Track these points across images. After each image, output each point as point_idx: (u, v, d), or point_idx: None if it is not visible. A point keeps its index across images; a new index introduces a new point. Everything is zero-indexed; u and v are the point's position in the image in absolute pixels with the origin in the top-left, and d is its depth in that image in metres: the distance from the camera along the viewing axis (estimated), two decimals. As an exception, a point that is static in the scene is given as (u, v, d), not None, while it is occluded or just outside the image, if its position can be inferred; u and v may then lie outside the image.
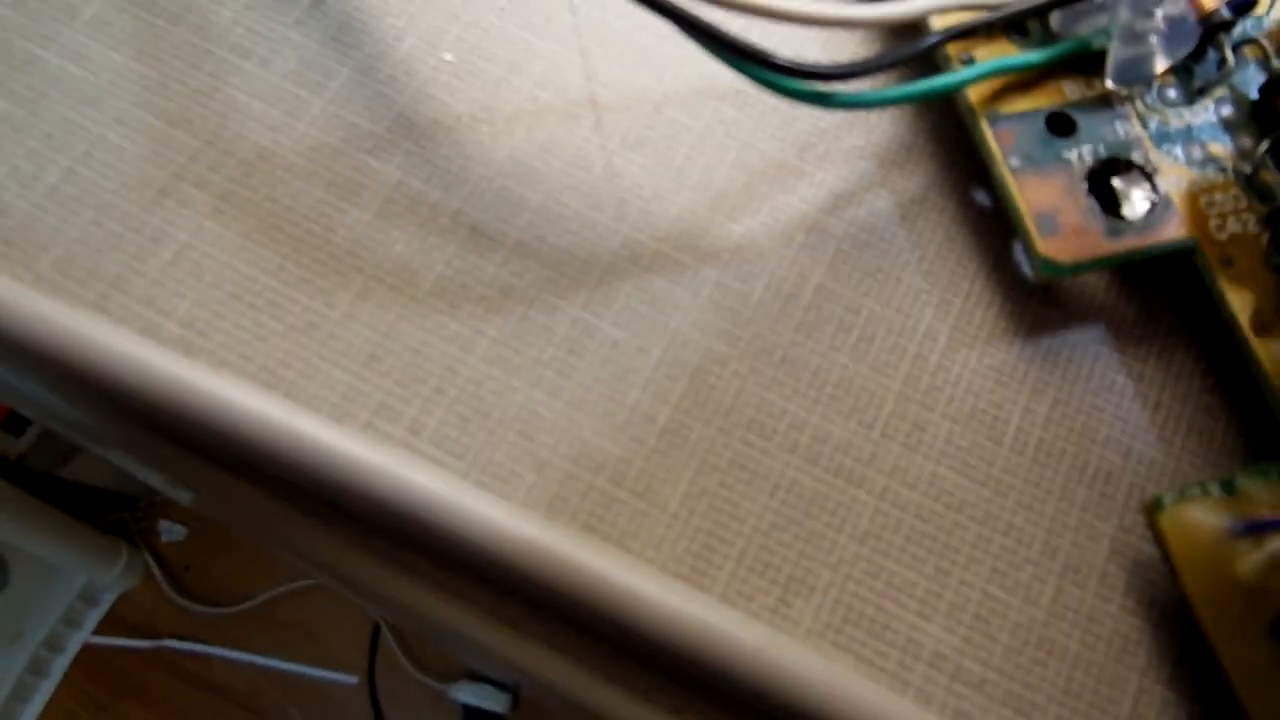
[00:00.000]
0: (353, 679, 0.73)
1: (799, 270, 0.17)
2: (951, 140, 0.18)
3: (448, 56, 0.18)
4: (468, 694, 0.68)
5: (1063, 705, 0.14)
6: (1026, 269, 0.17)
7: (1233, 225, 0.16)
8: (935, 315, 0.16)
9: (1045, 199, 0.16)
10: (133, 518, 0.78)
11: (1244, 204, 0.17)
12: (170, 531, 0.78)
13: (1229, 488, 0.14)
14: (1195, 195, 0.17)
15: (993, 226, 0.17)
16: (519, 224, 0.17)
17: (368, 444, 0.14)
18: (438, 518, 0.13)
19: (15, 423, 0.68)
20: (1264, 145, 0.17)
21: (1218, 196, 0.17)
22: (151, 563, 0.77)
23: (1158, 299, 0.17)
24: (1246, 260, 0.16)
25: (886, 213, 0.17)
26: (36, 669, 0.74)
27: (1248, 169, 0.17)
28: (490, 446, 0.15)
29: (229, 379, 0.14)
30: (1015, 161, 0.16)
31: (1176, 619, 0.15)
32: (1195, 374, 0.16)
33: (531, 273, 0.16)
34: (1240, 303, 0.16)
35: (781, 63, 0.15)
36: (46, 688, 0.75)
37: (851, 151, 0.18)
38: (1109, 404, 0.16)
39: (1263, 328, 0.16)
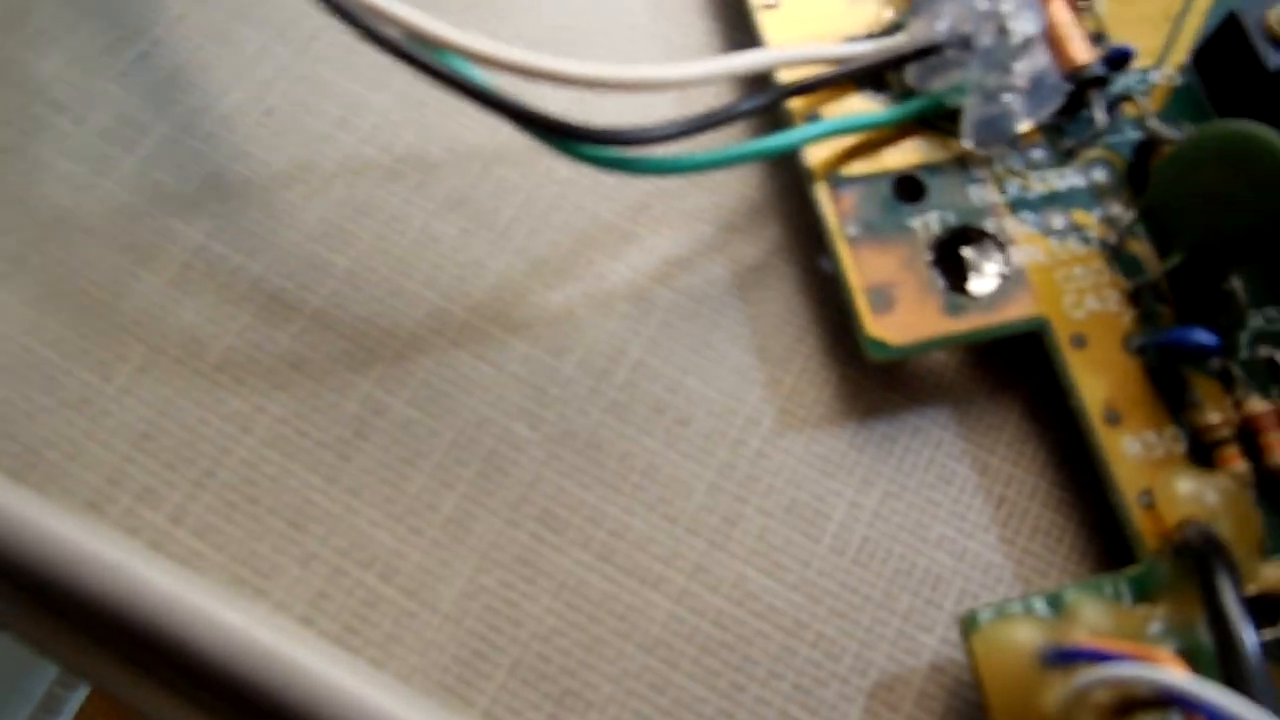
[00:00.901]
0: None
1: (617, 344, 0.15)
2: (799, 204, 0.16)
3: (269, 111, 0.17)
4: None
5: (859, 845, 0.12)
6: (861, 347, 0.15)
7: (1091, 303, 0.15)
8: (762, 395, 0.15)
9: (883, 272, 0.15)
10: None
11: (1106, 279, 0.15)
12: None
13: (1056, 604, 0.13)
14: (1052, 268, 0.15)
15: (836, 297, 0.16)
16: (322, 292, 0.16)
17: (105, 538, 0.13)
18: (166, 621, 0.12)
19: None
20: (1132, 212, 0.15)
21: (1077, 270, 0.15)
22: None
23: (1011, 381, 0.15)
24: (1103, 342, 0.15)
25: (722, 281, 0.16)
26: None
27: (1114, 239, 0.15)
28: (256, 537, 0.14)
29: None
30: (853, 230, 0.15)
31: (996, 750, 0.13)
32: (1048, 467, 0.15)
33: (328, 345, 0.15)
34: (1091, 389, 0.14)
35: (575, 128, 0.14)
36: None
37: (691, 214, 0.16)
38: (946, 498, 0.14)
39: (1113, 419, 0.14)
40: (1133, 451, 0.14)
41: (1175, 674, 0.11)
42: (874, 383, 0.15)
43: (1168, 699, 0.11)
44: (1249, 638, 0.11)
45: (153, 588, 0.13)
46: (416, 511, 0.14)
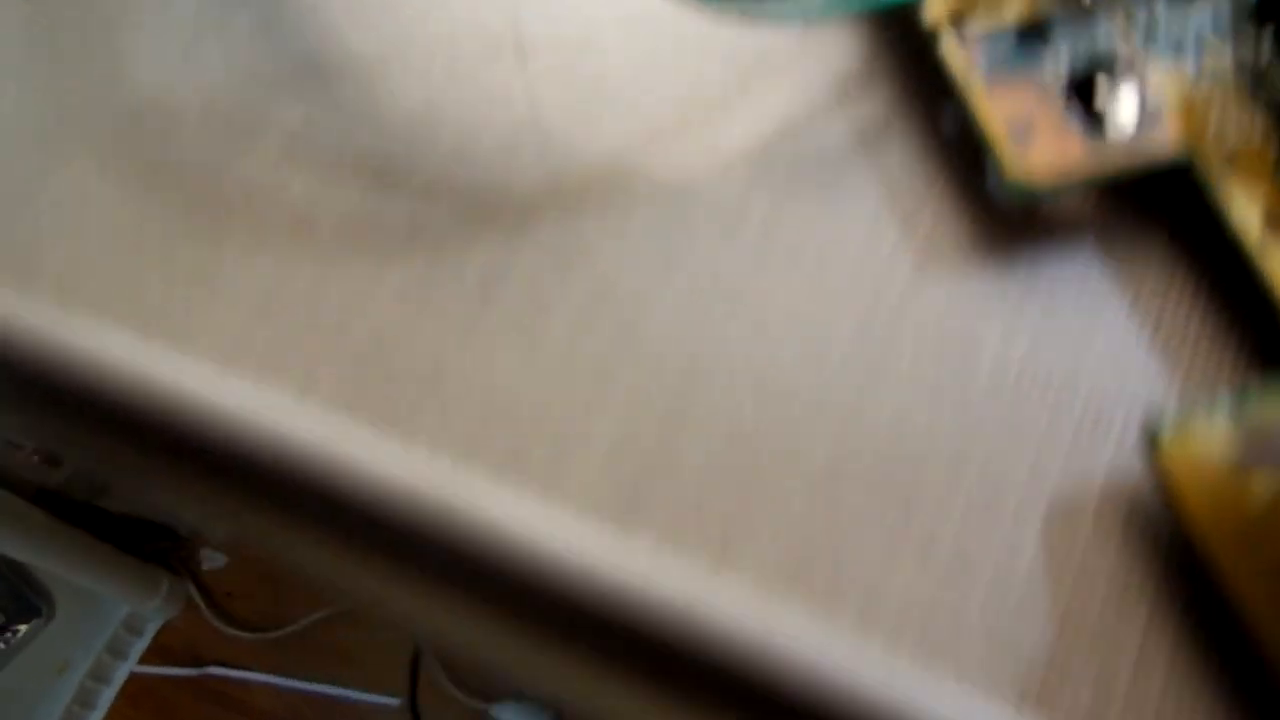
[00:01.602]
0: (394, 701, 0.72)
1: (741, 204, 0.15)
2: (916, 57, 0.16)
3: (359, -7, 0.16)
4: (511, 713, 0.67)
5: (1049, 667, 0.12)
6: (1000, 193, 0.15)
7: (1233, 133, 0.14)
8: (897, 244, 0.15)
9: (1018, 114, 0.14)
10: (174, 547, 0.78)
11: (1246, 108, 0.14)
12: (212, 559, 0.78)
13: (1238, 411, 0.12)
14: (1191, 103, 0.15)
15: (963, 150, 0.15)
16: (429, 167, 0.15)
17: (252, 396, 0.12)
18: (324, 473, 0.12)
19: (55, 454, 0.68)
20: (1267, 35, 0.15)
21: (1216, 102, 0.14)
22: (193, 591, 0.77)
23: (1154, 213, 0.15)
24: (1250, 168, 0.14)
25: (842, 139, 0.15)
26: (84, 700, 0.74)
27: (1250, 66, 0.15)
28: (392, 399, 0.13)
29: (105, 328, 0.12)
30: (983, 72, 0.15)
31: (1184, 565, 0.12)
32: (1200, 291, 0.14)
33: (440, 216, 0.15)
34: (1246, 214, 0.14)
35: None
36: (94, 719, 0.75)
37: (801, 75, 0.16)
38: (1099, 329, 0.14)
39: (1272, 238, 0.14)
40: (1289, 264, 0.13)
41: None
42: (1009, 227, 0.15)
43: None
44: None
45: (300, 435, 0.12)
46: (557, 363, 0.14)
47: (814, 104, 0.16)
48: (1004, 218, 0.15)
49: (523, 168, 0.15)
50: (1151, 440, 0.12)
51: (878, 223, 0.15)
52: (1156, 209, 0.15)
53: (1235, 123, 0.14)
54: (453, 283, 0.14)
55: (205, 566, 0.79)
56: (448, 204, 0.15)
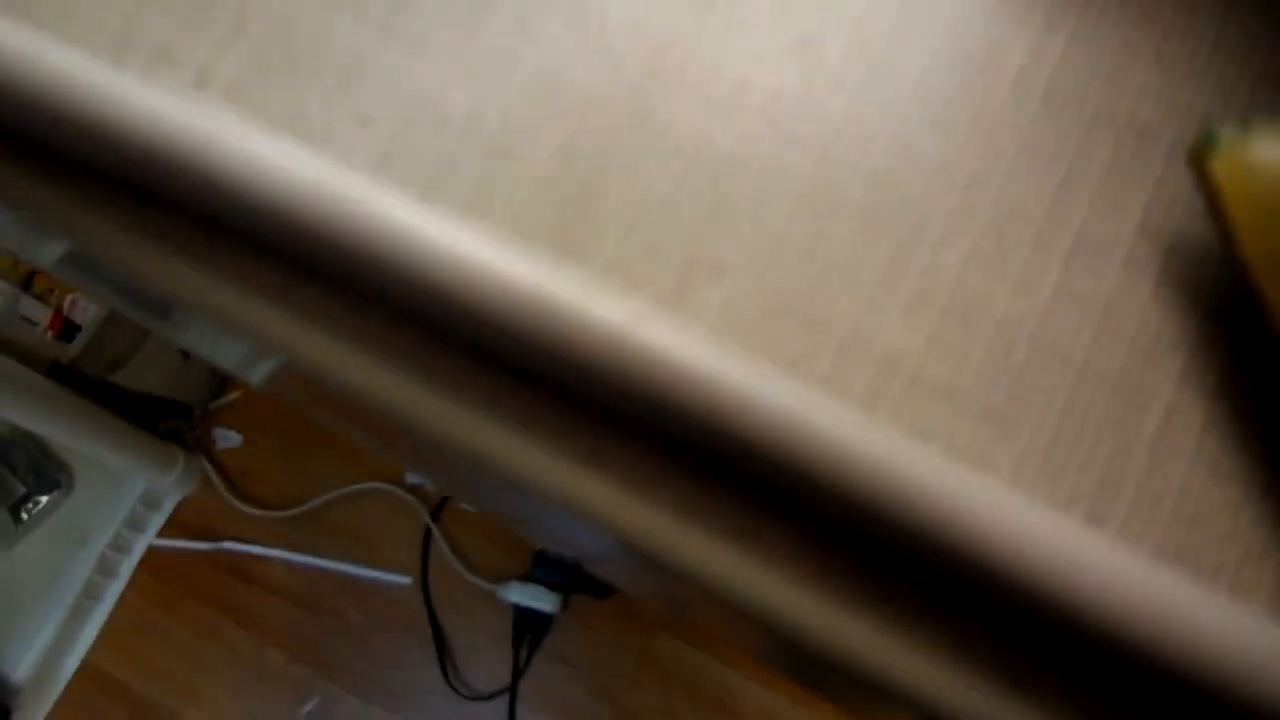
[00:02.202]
0: (405, 580, 0.74)
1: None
2: None
3: None
4: (518, 594, 0.68)
5: (1062, 421, 0.10)
6: None
7: None
8: (912, -64, 0.12)
9: None
10: (189, 425, 0.79)
11: None
12: (226, 438, 0.79)
13: (1315, 120, 0.10)
14: None
15: None
16: None
17: (141, 89, 0.10)
18: (204, 161, 0.10)
19: (67, 330, 0.68)
20: None
21: None
22: (209, 468, 0.79)
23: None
24: None
25: None
26: (105, 569, 0.77)
27: None
28: (300, 97, 0.11)
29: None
30: None
31: (1231, 311, 0.10)
32: (1273, 5, 0.12)
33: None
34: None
35: None
36: (116, 586, 0.78)
37: None
38: (1150, 40, 0.11)
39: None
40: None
41: None
42: (1050, -81, 0.12)
43: None
44: None
45: (182, 123, 0.10)
46: (494, 65, 0.11)
47: None
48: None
49: None
50: (1203, 152, 0.10)
51: (891, -85, 0.12)
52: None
53: None
54: (377, -30, 0.12)
55: (219, 446, 0.80)
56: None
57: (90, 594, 0.76)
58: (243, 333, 0.10)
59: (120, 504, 0.79)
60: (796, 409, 0.09)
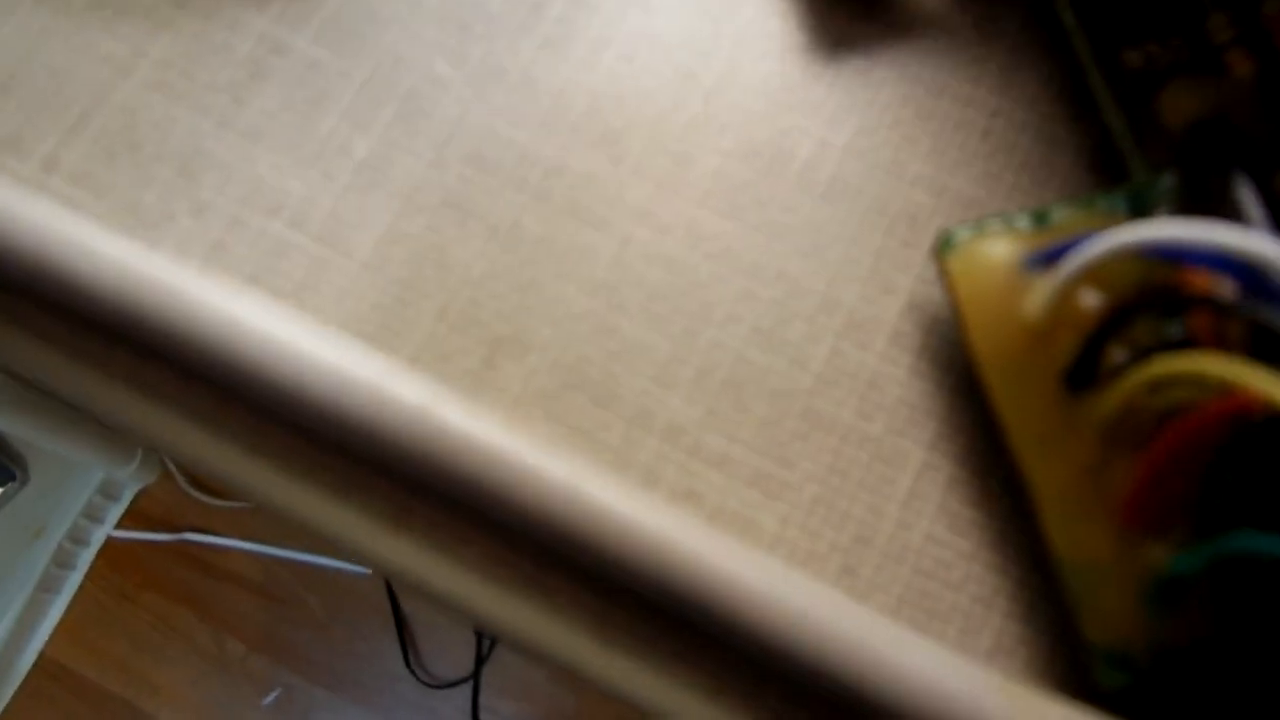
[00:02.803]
0: (366, 570, 0.74)
1: (549, -22, 0.13)
2: None
3: None
4: None
5: (824, 485, 0.11)
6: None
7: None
8: (715, 28, 0.13)
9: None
10: None
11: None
12: None
13: (1041, 219, 0.11)
14: None
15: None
16: (207, -73, 0.13)
17: None
18: (49, 256, 0.11)
19: None
20: None
21: None
22: (168, 458, 0.78)
23: (1000, 10, 0.13)
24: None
25: (670, -90, 0.14)
26: (62, 561, 0.77)
27: None
28: (140, 185, 0.12)
29: None
30: None
31: (974, 382, 0.12)
32: (1039, 99, 0.13)
33: (215, -17, 0.13)
34: (1082, 8, 0.12)
35: None
36: (73, 579, 0.78)
37: None
38: (925, 134, 0.13)
39: (1110, 41, 0.12)
40: (1135, 65, 0.12)
41: (1169, 224, 0.09)
42: (844, 13, 0.13)
43: (1157, 253, 0.09)
44: (1257, 212, 0.10)
45: (31, 223, 0.11)
46: (327, 156, 0.12)
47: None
48: (836, 5, 0.13)
49: (314, -62, 0.14)
50: (944, 246, 0.11)
51: (696, 7, 0.13)
52: (1004, 4, 0.14)
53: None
54: (220, 59, 0.13)
55: None
56: (227, -24, 0.13)
57: (47, 586, 0.76)
58: (102, 413, 0.12)
59: (77, 495, 0.79)
60: (570, 481, 0.10)
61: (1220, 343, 0.10)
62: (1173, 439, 0.09)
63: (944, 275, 0.11)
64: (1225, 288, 0.09)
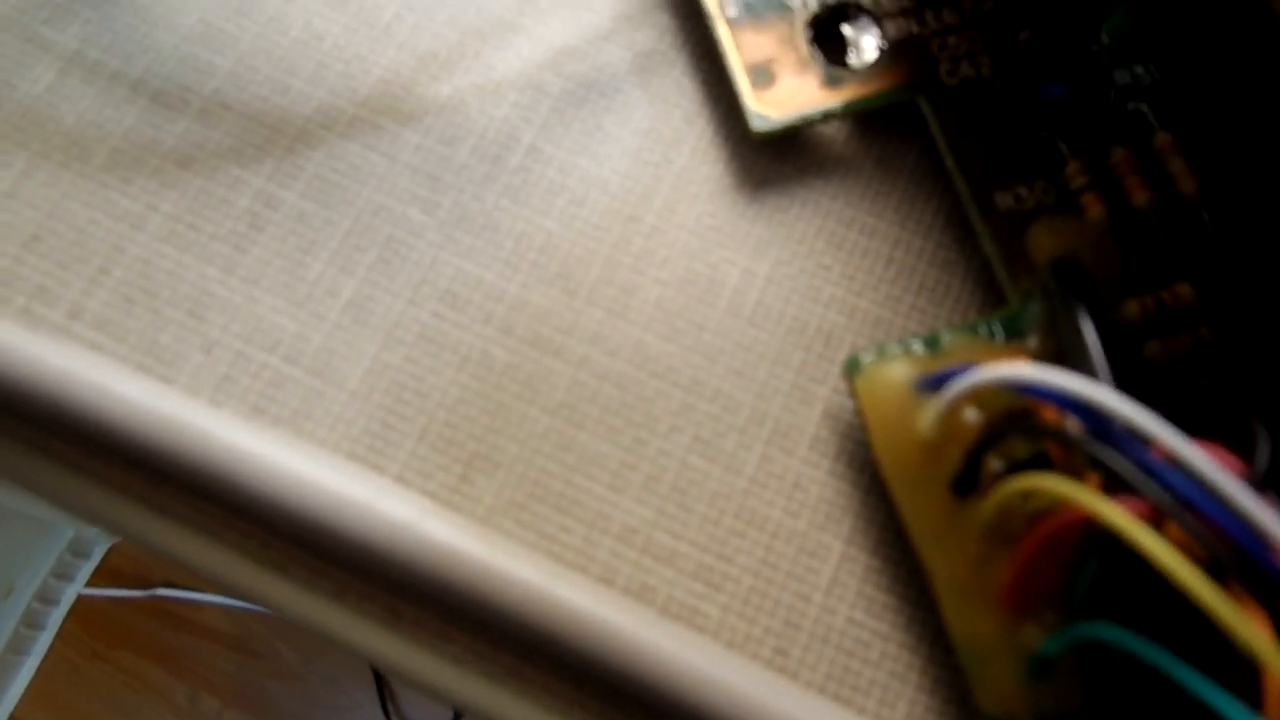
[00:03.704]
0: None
1: (508, 131, 0.15)
2: (690, -14, 0.16)
3: (137, -87, 0.16)
4: None
5: (758, 576, 0.13)
6: (746, 125, 0.15)
7: (965, 69, 0.15)
8: (655, 174, 0.15)
9: (762, 50, 0.15)
10: None
11: (978, 45, 0.15)
12: None
13: (933, 344, 0.13)
14: (927, 38, 0.15)
15: (724, 81, 0.16)
16: (204, 92, 0.15)
17: (12, 328, 0.13)
18: (77, 399, 0.12)
19: None
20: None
21: (951, 39, 0.15)
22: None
23: (898, 150, 0.16)
24: (976, 106, 0.15)
25: (611, 68, 0.16)
26: (31, 622, 0.76)
27: (982, 5, 0.15)
28: (156, 328, 0.14)
29: None
30: (732, 11, 0.15)
31: (882, 484, 0.14)
32: (933, 228, 0.15)
33: (214, 143, 0.15)
34: (964, 151, 0.15)
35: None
36: (44, 639, 0.77)
37: (576, 4, 0.16)
38: (837, 261, 0.15)
39: (989, 178, 0.14)
40: (1006, 205, 0.14)
41: (1022, 367, 0.11)
42: (764, 158, 0.16)
43: (1015, 390, 0.11)
44: (1094, 342, 0.12)
45: (54, 366, 0.13)
46: (317, 297, 0.14)
47: (588, 32, 0.16)
48: (760, 149, 0.16)
49: (300, 92, 0.16)
50: (852, 369, 0.13)
51: (638, 155, 0.15)
52: (903, 142, 0.16)
53: (966, 58, 0.15)
54: (222, 213, 0.15)
55: None
56: (223, 130, 0.15)
57: (16, 648, 0.76)
58: (116, 529, 0.13)
59: (47, 554, 0.78)
60: (540, 584, 0.12)
61: (1069, 463, 0.12)
62: (1035, 540, 0.11)
63: (853, 394, 0.13)
64: (1071, 423, 0.11)
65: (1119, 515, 0.10)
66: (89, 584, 0.79)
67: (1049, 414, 0.12)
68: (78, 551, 0.79)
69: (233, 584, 0.13)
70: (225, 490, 0.13)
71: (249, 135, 0.15)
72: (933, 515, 0.13)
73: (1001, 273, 0.14)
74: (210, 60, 0.16)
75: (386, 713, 0.73)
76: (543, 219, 0.15)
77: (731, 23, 0.15)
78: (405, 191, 0.15)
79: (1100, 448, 0.10)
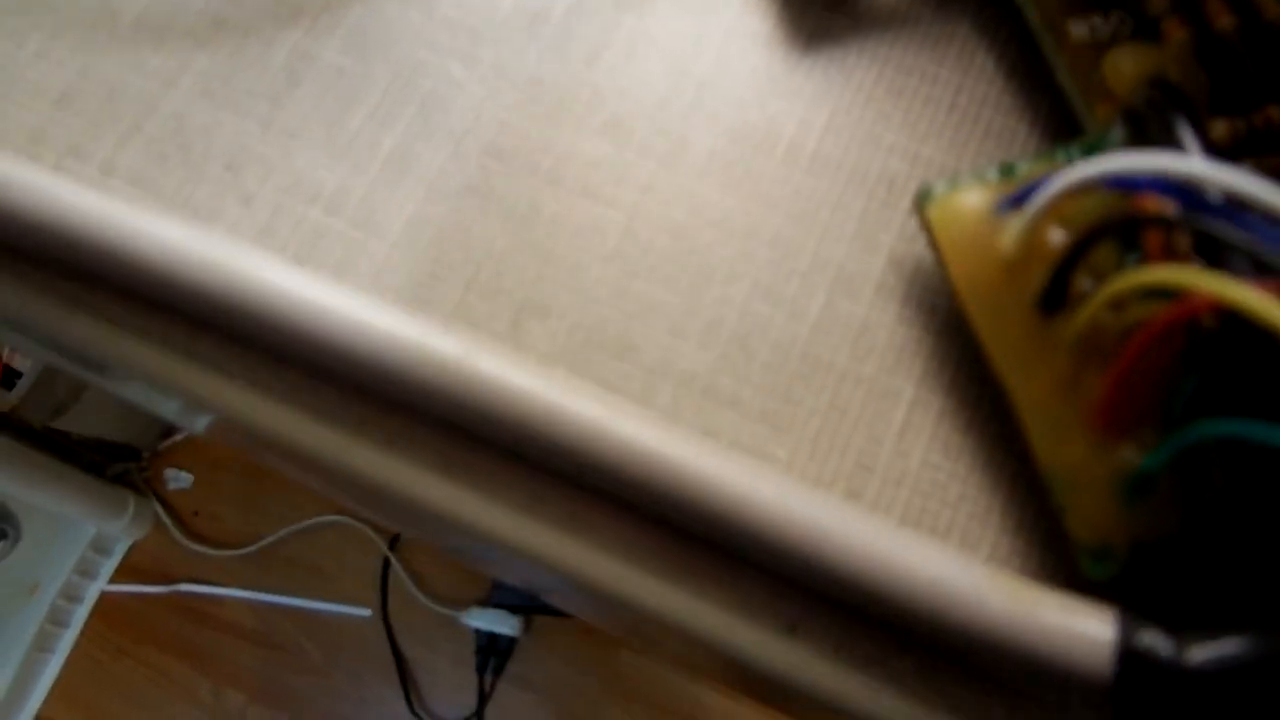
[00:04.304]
0: (365, 611, 0.74)
1: (551, -13, 0.15)
2: None
3: None
4: (480, 620, 0.69)
5: (826, 419, 0.13)
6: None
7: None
8: (703, 26, 0.15)
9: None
10: (138, 468, 0.78)
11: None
12: (176, 479, 0.78)
13: (1008, 171, 0.13)
14: None
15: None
16: (237, -46, 0.15)
17: (48, 177, 0.12)
18: (116, 243, 0.12)
19: (7, 377, 0.68)
20: None
21: None
22: (160, 510, 0.78)
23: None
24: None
25: (656, -76, 0.15)
26: (56, 619, 0.76)
27: None
28: (192, 182, 0.13)
29: None
30: None
31: (956, 324, 0.13)
32: (997, 74, 0.15)
33: (247, 2, 0.14)
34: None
35: None
36: (68, 636, 0.77)
37: None
38: (897, 109, 0.14)
39: (1058, 13, 0.14)
40: (1081, 35, 0.14)
41: (1114, 158, 0.11)
42: (818, 7, 0.15)
43: (1110, 183, 0.11)
44: (1197, 150, 0.11)
45: (91, 211, 0.12)
46: (357, 150, 0.14)
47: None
48: (807, 3, 0.15)
49: (335, -39, 0.15)
50: (922, 202, 0.13)
51: (685, 5, 0.15)
52: (962, -7, 0.15)
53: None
54: (258, 70, 0.14)
55: (170, 486, 0.79)
56: (257, -2, 0.15)
57: (42, 645, 0.75)
58: (167, 388, 0.13)
59: (70, 551, 0.78)
60: (601, 417, 0.11)
61: (1171, 256, 0.11)
62: (1134, 350, 0.11)
63: (924, 224, 0.13)
64: (1171, 208, 0.10)
65: (1249, 294, 0.09)
66: (112, 581, 0.79)
67: (1148, 203, 0.11)
68: (100, 549, 0.79)
69: (280, 435, 0.12)
70: (268, 333, 0.12)
71: (283, -7, 0.15)
72: (1016, 337, 0.12)
73: (1079, 103, 0.13)
74: (242, -77, 0.15)
75: (410, 703, 0.73)
76: (589, 72, 0.14)
77: None
78: (444, 45, 0.14)
79: (1216, 222, 0.09)
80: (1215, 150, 0.12)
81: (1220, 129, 0.13)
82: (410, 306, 0.13)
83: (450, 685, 0.74)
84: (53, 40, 0.14)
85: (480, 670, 0.70)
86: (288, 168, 0.13)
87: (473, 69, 0.14)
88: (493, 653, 0.70)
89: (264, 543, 0.77)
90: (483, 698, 0.71)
